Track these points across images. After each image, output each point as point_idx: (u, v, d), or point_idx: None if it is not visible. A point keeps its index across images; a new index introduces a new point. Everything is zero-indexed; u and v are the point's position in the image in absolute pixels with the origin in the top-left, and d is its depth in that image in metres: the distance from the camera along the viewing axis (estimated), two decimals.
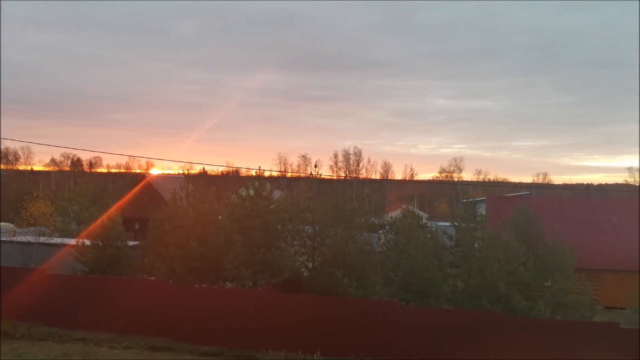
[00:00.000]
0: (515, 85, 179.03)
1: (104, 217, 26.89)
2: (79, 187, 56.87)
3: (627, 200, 45.35)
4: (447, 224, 32.87)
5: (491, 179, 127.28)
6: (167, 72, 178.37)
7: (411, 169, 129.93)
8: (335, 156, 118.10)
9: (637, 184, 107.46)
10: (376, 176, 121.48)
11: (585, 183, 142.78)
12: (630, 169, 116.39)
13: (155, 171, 79.55)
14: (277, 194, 31.56)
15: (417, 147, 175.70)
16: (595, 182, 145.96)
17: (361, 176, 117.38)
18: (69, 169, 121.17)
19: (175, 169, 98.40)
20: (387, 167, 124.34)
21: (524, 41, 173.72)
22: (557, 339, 17.70)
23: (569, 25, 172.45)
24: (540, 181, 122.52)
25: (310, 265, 24.15)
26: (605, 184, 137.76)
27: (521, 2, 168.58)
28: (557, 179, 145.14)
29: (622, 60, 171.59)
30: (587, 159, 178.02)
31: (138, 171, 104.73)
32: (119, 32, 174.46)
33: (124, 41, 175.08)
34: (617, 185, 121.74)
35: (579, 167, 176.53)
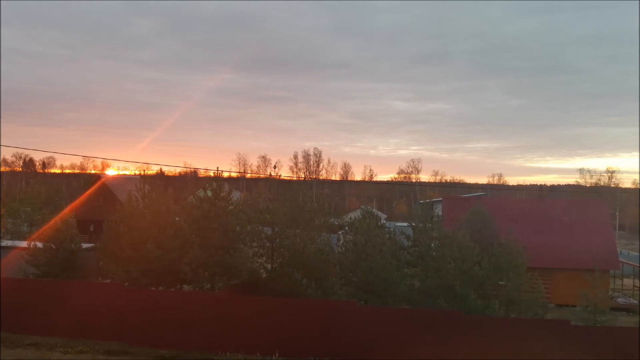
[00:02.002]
0: (467, 89, 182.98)
1: (57, 219, 26.20)
2: (31, 188, 55.48)
3: (578, 201, 46.75)
4: (405, 224, 33.27)
5: (448, 180, 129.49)
6: (123, 72, 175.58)
7: (370, 169, 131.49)
8: (295, 157, 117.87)
9: (588, 185, 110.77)
10: (336, 177, 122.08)
11: (538, 184, 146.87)
12: (581, 170, 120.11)
13: (110, 172, 78.19)
14: (235, 195, 31.35)
15: (376, 149, 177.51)
16: (548, 183, 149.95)
17: (321, 177, 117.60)
18: (20, 169, 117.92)
19: (131, 170, 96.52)
20: (347, 168, 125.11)
21: (472, 46, 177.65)
22: (511, 336, 18.14)
23: (514, 31, 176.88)
24: (495, 182, 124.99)
25: (269, 266, 24.12)
26: (558, 184, 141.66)
27: (468, 8, 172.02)
28: (512, 180, 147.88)
29: (566, 66, 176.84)
30: (539, 160, 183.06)
31: (93, 172, 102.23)
32: (70, 30, 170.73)
33: (76, 39, 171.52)
34: (569, 186, 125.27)
35: (532, 169, 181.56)
